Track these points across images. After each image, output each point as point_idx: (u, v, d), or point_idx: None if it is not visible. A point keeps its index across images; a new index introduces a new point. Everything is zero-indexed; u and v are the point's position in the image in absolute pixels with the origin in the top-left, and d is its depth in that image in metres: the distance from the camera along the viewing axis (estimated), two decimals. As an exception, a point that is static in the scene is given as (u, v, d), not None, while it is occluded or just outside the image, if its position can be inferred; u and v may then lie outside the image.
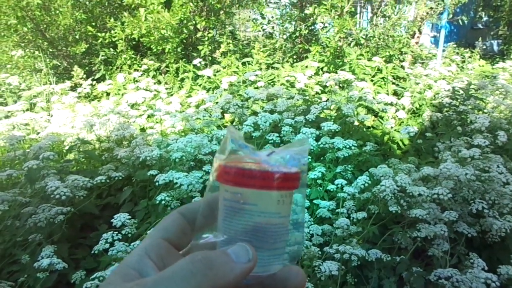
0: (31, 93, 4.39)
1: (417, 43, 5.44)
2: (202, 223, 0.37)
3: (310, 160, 2.43)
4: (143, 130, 3.52)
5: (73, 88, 4.70)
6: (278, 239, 0.35)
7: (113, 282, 0.32)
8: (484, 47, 8.95)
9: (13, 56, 5.30)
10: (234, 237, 0.34)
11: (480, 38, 6.79)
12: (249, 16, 6.14)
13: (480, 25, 11.39)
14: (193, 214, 0.38)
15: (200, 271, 0.31)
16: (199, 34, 5.20)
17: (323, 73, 4.21)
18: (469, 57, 5.94)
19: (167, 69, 5.11)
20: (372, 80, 4.07)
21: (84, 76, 4.99)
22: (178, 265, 0.31)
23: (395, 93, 3.94)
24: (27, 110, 3.95)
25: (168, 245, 0.37)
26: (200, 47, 5.08)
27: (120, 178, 2.33)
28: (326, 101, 3.23)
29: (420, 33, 5.34)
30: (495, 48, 10.61)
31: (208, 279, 0.31)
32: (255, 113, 3.13)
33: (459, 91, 3.31)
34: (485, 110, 3.22)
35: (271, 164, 0.34)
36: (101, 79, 5.15)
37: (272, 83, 4.18)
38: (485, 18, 10.86)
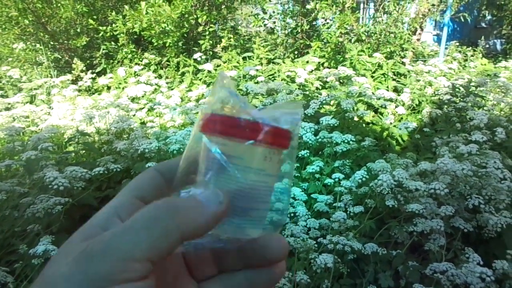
0: (32, 85, 4.40)
1: (418, 39, 5.43)
2: (181, 180, 0.33)
3: (308, 154, 2.43)
4: (143, 123, 3.53)
5: (74, 82, 4.71)
6: (261, 198, 0.32)
7: (73, 241, 0.29)
8: (487, 46, 8.93)
9: (15, 49, 5.30)
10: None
11: (483, 37, 6.76)
12: (251, 11, 6.12)
13: (483, 24, 11.36)
14: (172, 172, 0.34)
15: (165, 215, 0.28)
16: (200, 29, 5.19)
17: (324, 69, 4.21)
18: (471, 55, 5.92)
19: (168, 63, 5.11)
20: (372, 76, 4.07)
21: (85, 69, 4.99)
22: (139, 213, 0.28)
23: (395, 90, 3.93)
24: (27, 102, 3.96)
25: (143, 204, 0.32)
26: (201, 42, 5.08)
27: (119, 170, 2.34)
28: (326, 96, 3.23)
29: (422, 29, 5.32)
30: (498, 47, 10.59)
31: (175, 224, 0.27)
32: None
33: (459, 88, 3.31)
34: (485, 108, 3.21)
35: (262, 118, 0.31)
36: (102, 72, 5.15)
37: (272, 78, 4.18)
38: (488, 17, 10.83)
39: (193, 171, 0.33)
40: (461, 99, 3.17)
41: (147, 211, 0.28)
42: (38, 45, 5.38)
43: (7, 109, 3.76)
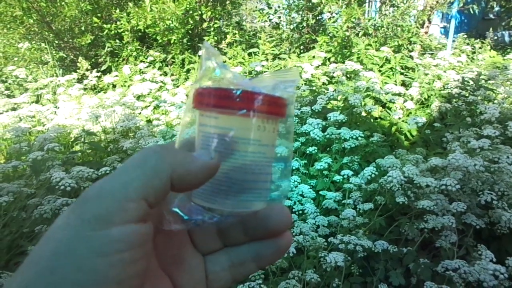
0: (37, 85, 4.40)
1: (426, 32, 5.36)
2: None
3: (316, 150, 2.41)
4: (149, 121, 3.51)
5: (80, 80, 4.71)
6: (259, 170, 0.31)
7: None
8: (495, 38, 8.79)
9: (20, 49, 5.31)
10: None
11: (491, 29, 6.65)
12: (256, 7, 6.08)
13: (491, 16, 11.20)
14: None
15: (155, 154, 0.28)
16: (205, 25, 5.16)
17: (330, 64, 4.16)
18: (480, 47, 5.83)
19: (173, 60, 5.10)
20: (380, 71, 4.02)
21: (90, 68, 4.99)
22: (130, 158, 0.28)
23: (403, 84, 3.88)
24: (33, 102, 3.96)
25: None
26: (206, 38, 5.05)
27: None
28: (333, 91, 3.19)
29: (430, 22, 5.25)
30: (507, 39, 10.43)
31: (166, 162, 0.28)
32: (261, 104, 3.10)
33: (468, 82, 3.25)
34: (496, 101, 3.16)
35: (253, 87, 0.31)
36: (107, 71, 5.15)
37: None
38: (496, 8, 10.66)
39: (190, 149, 0.32)
40: (471, 93, 3.11)
41: (137, 155, 0.28)
42: (43, 44, 5.39)
43: (14, 109, 3.76)
